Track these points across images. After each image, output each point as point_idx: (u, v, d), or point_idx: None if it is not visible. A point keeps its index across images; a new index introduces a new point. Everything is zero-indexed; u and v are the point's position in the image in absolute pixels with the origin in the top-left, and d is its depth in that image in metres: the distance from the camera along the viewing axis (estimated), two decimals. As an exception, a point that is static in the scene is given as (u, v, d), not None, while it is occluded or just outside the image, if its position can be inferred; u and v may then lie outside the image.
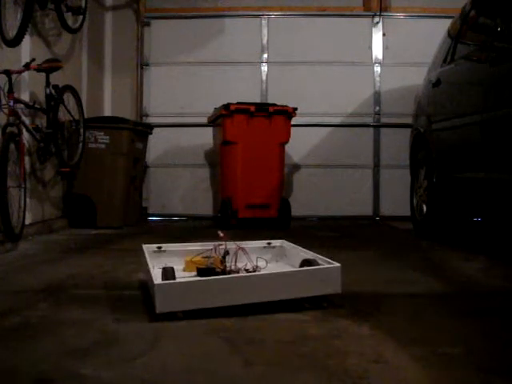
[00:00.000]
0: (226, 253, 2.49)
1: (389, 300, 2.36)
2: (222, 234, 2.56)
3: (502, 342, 1.77)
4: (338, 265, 2.22)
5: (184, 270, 2.50)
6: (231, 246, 2.55)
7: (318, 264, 2.30)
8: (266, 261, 2.56)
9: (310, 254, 2.49)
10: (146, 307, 2.13)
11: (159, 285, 1.97)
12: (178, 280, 2.09)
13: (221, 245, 2.53)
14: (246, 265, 2.46)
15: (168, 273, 2.13)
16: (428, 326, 1.97)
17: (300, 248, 2.66)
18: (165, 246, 2.71)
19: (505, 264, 3.33)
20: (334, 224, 5.78)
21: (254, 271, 2.39)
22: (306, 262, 2.35)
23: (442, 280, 2.77)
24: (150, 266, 2.29)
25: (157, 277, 2.14)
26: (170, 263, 2.38)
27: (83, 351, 1.65)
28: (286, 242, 2.85)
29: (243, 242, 2.67)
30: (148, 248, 2.65)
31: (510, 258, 3.57)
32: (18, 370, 1.51)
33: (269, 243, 2.83)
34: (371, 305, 2.24)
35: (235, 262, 2.43)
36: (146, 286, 2.38)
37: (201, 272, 2.35)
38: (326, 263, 2.29)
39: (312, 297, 2.19)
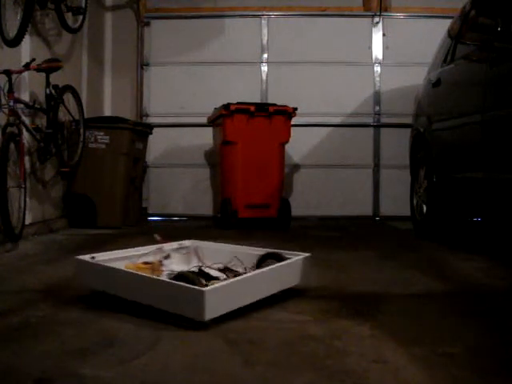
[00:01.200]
0: (167, 256, 2.48)
1: (389, 300, 2.36)
2: (158, 238, 2.55)
3: (502, 342, 1.77)
4: (308, 254, 2.46)
5: None
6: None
7: (285, 256, 2.43)
8: (242, 261, 2.54)
9: (239, 248, 2.65)
10: (146, 307, 2.12)
11: (209, 291, 1.88)
12: (219, 284, 2.04)
13: (159, 248, 2.53)
14: (219, 264, 2.47)
15: (191, 277, 2.04)
16: (428, 325, 1.97)
17: (221, 244, 2.81)
18: (98, 255, 2.44)
19: (505, 264, 3.33)
20: (334, 224, 5.78)
21: (227, 269, 2.43)
22: (271, 255, 2.46)
23: (442, 280, 2.77)
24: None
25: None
26: None
27: (83, 351, 1.65)
28: (196, 241, 2.84)
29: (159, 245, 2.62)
30: (82, 258, 2.39)
31: (509, 257, 3.57)
32: (17, 369, 1.51)
33: (180, 244, 2.75)
34: (371, 305, 2.24)
35: (202, 262, 2.51)
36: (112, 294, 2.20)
37: (178, 278, 2.12)
38: (293, 255, 2.45)
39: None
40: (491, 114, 3.30)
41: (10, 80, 3.70)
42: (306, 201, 6.26)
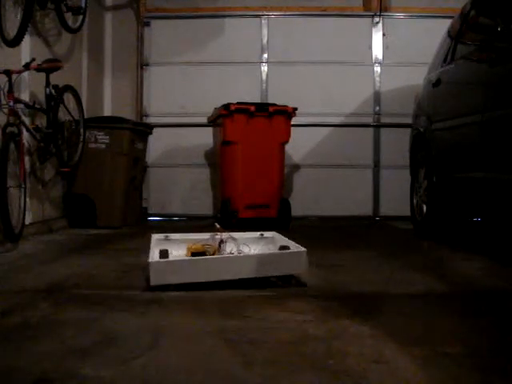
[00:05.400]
0: (221, 241, 2.86)
1: (389, 300, 2.36)
2: (218, 226, 2.96)
3: (501, 342, 1.77)
4: (303, 249, 2.63)
5: (186, 255, 2.85)
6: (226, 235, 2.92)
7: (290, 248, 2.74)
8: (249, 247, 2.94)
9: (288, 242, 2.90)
10: (147, 307, 2.13)
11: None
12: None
13: (216, 235, 2.89)
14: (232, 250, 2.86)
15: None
16: (428, 325, 1.97)
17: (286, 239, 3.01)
18: (170, 235, 3.12)
19: (504, 264, 3.33)
20: (334, 224, 5.78)
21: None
22: (282, 247, 2.80)
23: (442, 280, 2.77)
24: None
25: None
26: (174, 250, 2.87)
27: (83, 351, 1.65)
28: (276, 233, 3.20)
29: (235, 233, 3.00)
30: (156, 237, 3.07)
31: (509, 258, 3.57)
32: (18, 369, 1.51)
33: (261, 234, 3.22)
34: (371, 305, 2.24)
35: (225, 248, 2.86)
36: None
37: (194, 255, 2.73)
38: (296, 248, 2.71)
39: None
40: (491, 114, 3.30)
41: (9, 80, 3.70)
42: (306, 201, 6.25)
